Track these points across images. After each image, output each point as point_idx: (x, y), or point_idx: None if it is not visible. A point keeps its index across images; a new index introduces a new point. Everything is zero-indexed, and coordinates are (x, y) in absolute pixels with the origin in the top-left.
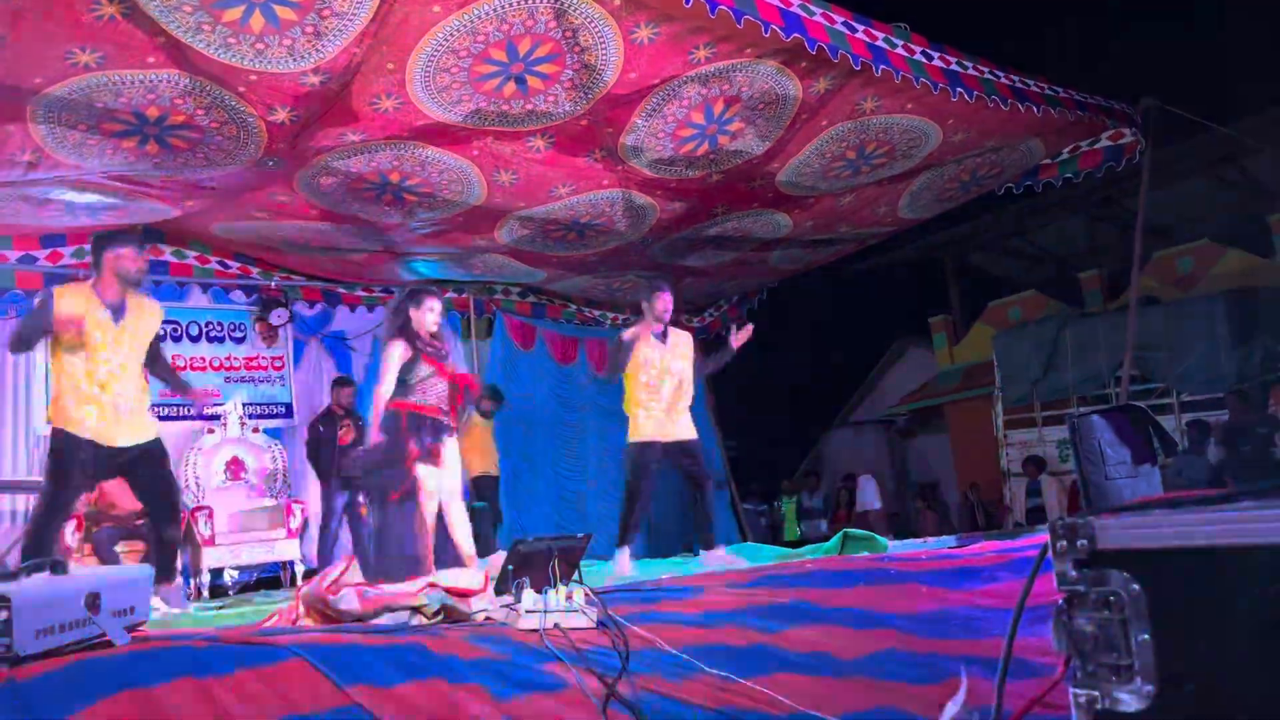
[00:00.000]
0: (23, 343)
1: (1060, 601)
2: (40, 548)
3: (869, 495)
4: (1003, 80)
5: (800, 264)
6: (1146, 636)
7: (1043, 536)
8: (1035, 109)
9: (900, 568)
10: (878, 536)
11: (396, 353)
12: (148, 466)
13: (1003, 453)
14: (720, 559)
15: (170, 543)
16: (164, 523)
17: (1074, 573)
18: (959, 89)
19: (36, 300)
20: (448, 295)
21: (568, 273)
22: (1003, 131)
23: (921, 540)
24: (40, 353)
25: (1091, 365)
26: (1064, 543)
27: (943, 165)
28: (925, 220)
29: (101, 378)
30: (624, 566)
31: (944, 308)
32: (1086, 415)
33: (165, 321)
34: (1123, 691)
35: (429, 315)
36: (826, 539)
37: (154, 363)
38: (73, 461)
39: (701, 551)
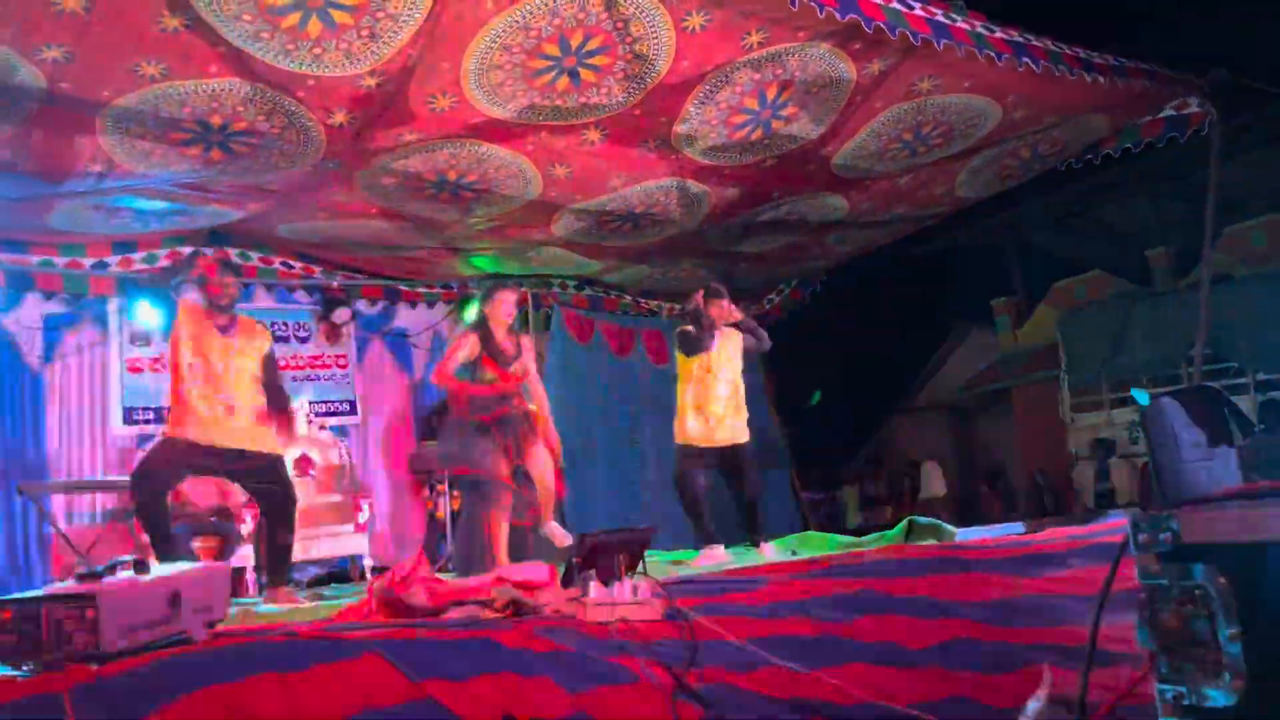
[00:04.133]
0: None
1: (1144, 595)
2: (160, 537)
3: (933, 481)
4: (1067, 52)
5: (858, 246)
6: (1235, 631)
7: (1115, 521)
8: (1102, 79)
9: (969, 555)
10: (943, 524)
11: (466, 344)
12: (266, 477)
13: (1070, 436)
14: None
15: (285, 548)
16: (279, 528)
17: (1157, 566)
18: (1025, 59)
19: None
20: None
21: (624, 263)
22: (1064, 107)
23: (988, 527)
24: (115, 359)
25: (1162, 345)
26: (1146, 535)
27: (1002, 144)
28: (985, 200)
29: (219, 389)
30: (718, 557)
31: (1007, 289)
32: (1158, 397)
33: None
34: (1210, 687)
35: (501, 307)
36: (890, 527)
37: (266, 381)
38: (173, 459)
39: (748, 548)
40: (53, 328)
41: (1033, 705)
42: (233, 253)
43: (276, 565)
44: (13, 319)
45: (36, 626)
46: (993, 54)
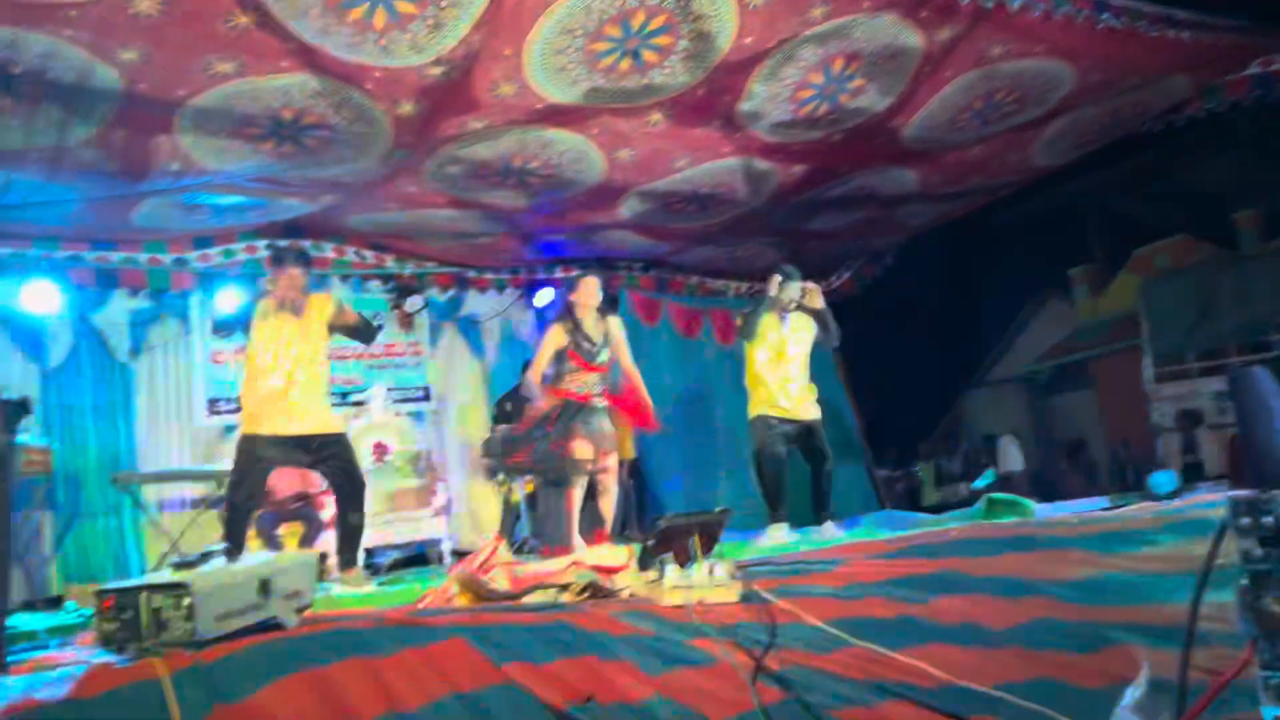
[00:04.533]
0: (226, 327)
1: (1244, 581)
2: (235, 541)
3: (1011, 457)
4: (1148, 9)
5: (930, 219)
6: None
7: (1203, 495)
8: (1185, 35)
9: (1050, 532)
10: (1023, 500)
11: (553, 336)
12: (334, 458)
13: (1154, 408)
14: (831, 535)
15: (355, 528)
16: (349, 510)
17: (1259, 551)
18: (1105, 15)
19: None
20: (573, 274)
21: (690, 245)
22: (1144, 68)
23: (1070, 502)
24: (198, 352)
25: (1250, 311)
26: (1247, 519)
27: (1079, 109)
28: (1062, 167)
29: (287, 370)
30: (780, 537)
31: (1085, 258)
32: (1248, 366)
33: None
34: None
35: (584, 292)
36: (967, 503)
37: (343, 329)
38: (257, 461)
39: (813, 527)
40: (138, 323)
41: (1132, 692)
42: (306, 244)
43: (347, 546)
44: (101, 315)
45: (136, 614)
46: (1071, 12)
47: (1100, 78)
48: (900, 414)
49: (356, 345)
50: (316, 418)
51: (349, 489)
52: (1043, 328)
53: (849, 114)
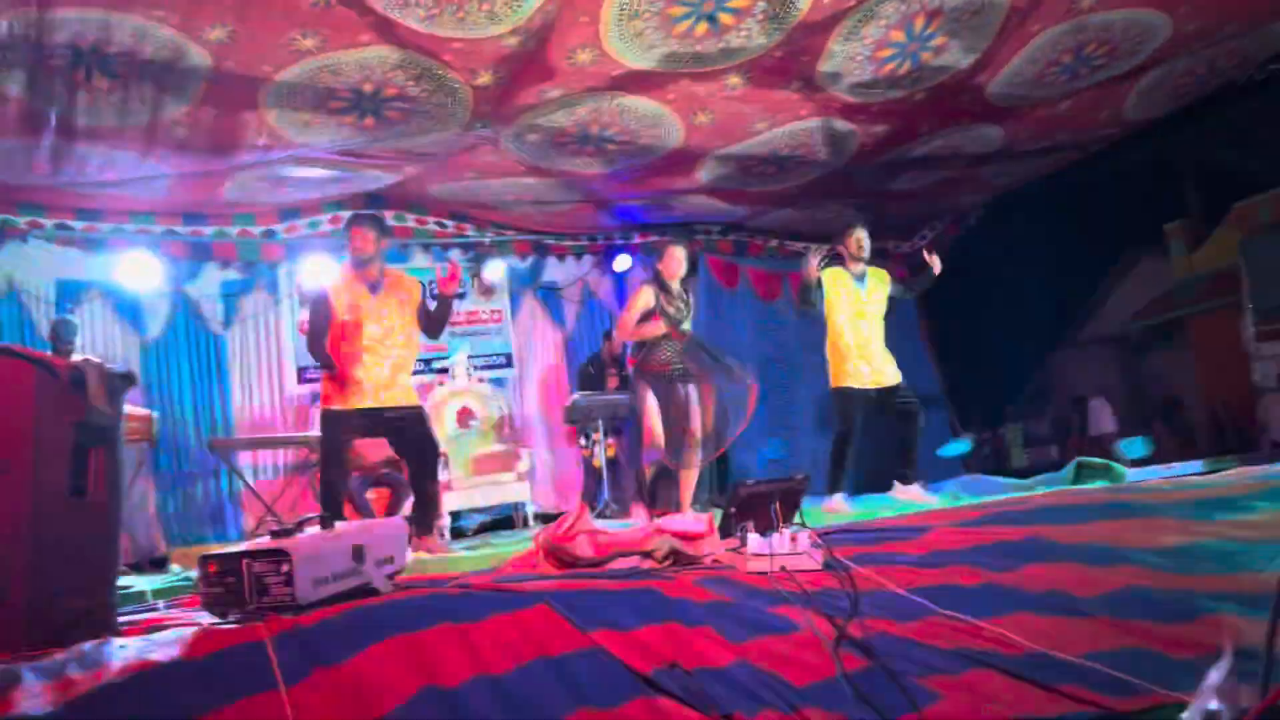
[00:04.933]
0: (317, 340)
1: None
2: (330, 504)
3: (1103, 418)
4: None
5: (1016, 178)
6: None
7: None
8: None
9: (1143, 498)
10: (1115, 464)
11: (642, 295)
12: (411, 429)
13: (1255, 367)
14: (914, 497)
15: (430, 497)
16: (424, 479)
17: None
18: None
19: (315, 297)
20: (649, 240)
21: (769, 207)
22: (1245, 14)
23: (1164, 466)
24: (287, 322)
25: None
26: None
27: (1174, 60)
28: (1155, 120)
29: (366, 344)
30: (840, 508)
31: (1181, 212)
32: None
33: None
34: None
35: (671, 262)
36: (1056, 467)
37: (427, 325)
38: (340, 432)
39: (896, 485)
40: (230, 294)
41: (1215, 672)
42: (388, 215)
43: (423, 514)
44: (195, 288)
45: (238, 579)
46: None
47: (1198, 26)
48: (986, 376)
49: None
50: (390, 392)
51: (420, 462)
52: (1136, 285)
53: (931, 72)
